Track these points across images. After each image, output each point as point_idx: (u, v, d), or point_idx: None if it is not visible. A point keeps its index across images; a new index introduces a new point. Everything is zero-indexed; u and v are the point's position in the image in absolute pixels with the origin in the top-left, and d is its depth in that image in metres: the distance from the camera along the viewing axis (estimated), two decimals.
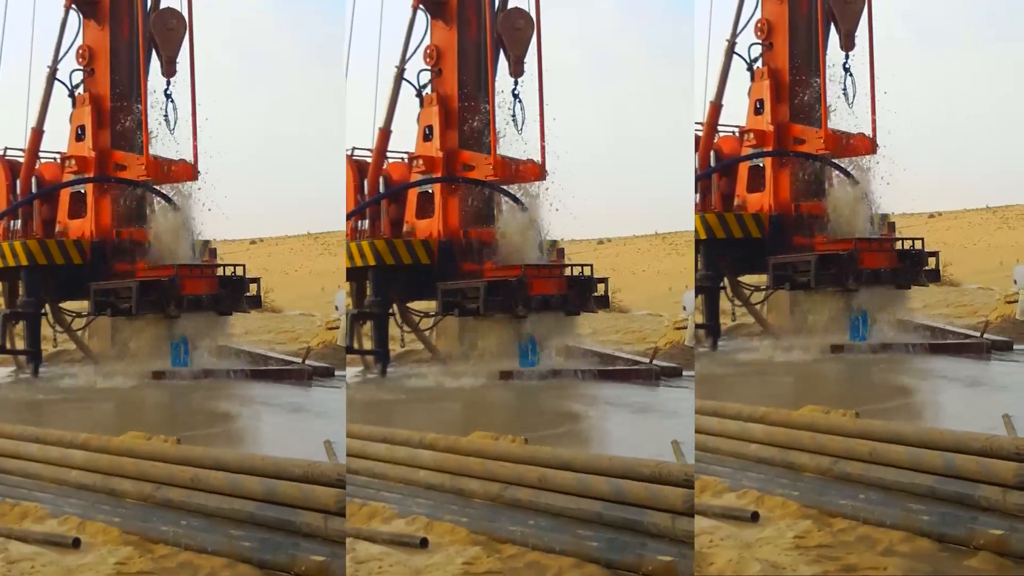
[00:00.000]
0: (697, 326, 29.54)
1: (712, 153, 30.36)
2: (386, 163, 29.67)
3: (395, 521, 16.45)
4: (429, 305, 29.01)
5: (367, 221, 29.64)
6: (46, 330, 29.94)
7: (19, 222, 30.16)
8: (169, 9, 29.20)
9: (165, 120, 29.28)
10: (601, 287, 28.38)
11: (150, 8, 29.27)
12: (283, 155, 35.12)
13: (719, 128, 30.38)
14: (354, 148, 29.72)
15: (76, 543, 16.02)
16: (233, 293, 29.03)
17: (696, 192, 30.06)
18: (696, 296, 29.61)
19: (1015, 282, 31.53)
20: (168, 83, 29.44)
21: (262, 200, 33.48)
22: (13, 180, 30.27)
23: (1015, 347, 28.50)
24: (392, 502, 17.01)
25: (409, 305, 29.25)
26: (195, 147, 29.28)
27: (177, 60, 29.33)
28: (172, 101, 29.30)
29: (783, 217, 29.71)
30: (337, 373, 28.46)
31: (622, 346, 30.68)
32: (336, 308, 31.47)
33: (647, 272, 42.38)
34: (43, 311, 29.75)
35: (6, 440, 20.25)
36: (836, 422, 17.15)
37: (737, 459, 18.07)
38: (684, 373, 27.45)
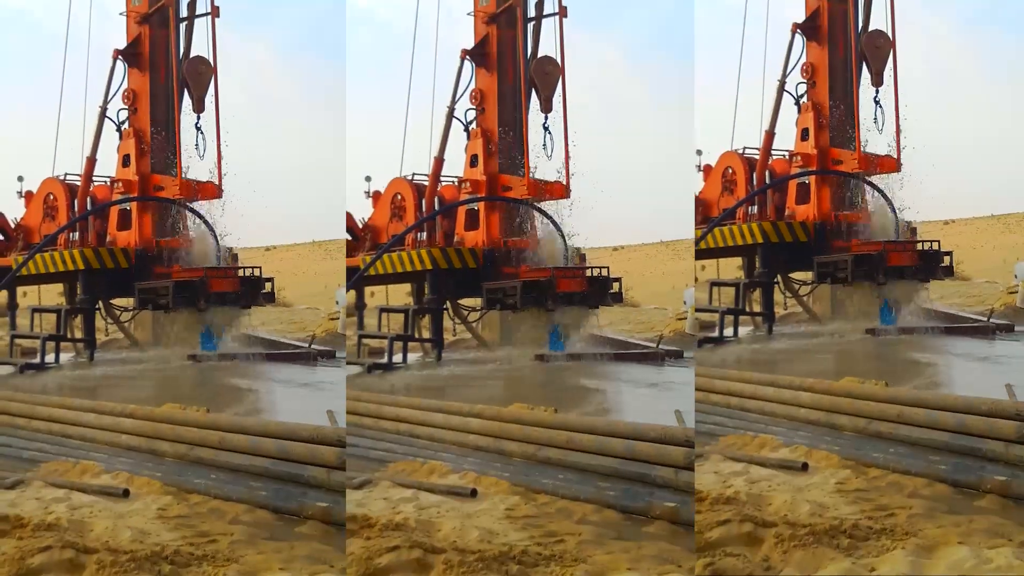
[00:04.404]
0: (755, 314, 32.06)
1: (767, 173, 33.11)
2: (440, 186, 32.66)
3: (450, 476, 17.63)
4: (475, 301, 31.70)
5: (424, 234, 32.51)
6: (99, 322, 32.60)
7: (77, 234, 32.96)
8: (199, 56, 32.31)
9: (196, 148, 31.95)
10: (616, 285, 30.99)
11: (183, 57, 32.37)
12: (293, 178, 37.56)
13: (772, 152, 33.19)
14: (413, 174, 32.89)
15: (126, 493, 17.05)
16: (252, 290, 31.54)
17: (754, 204, 32.96)
18: (754, 290, 32.19)
19: (1015, 276, 34.71)
20: (198, 118, 32.05)
21: (275, 215, 35.95)
22: (71, 200, 33.19)
23: (1016, 329, 30.76)
24: (447, 461, 18.32)
25: (459, 301, 32.24)
26: (219, 171, 31.93)
27: (205, 99, 32.06)
28: (201, 133, 31.84)
29: (825, 224, 32.45)
30: (338, 355, 30.53)
31: (633, 334, 32.86)
32: (336, 303, 33.87)
33: (654, 273, 44.91)
34: (97, 306, 32.46)
35: (69, 411, 21.59)
36: (870, 390, 18.69)
37: (789, 421, 19.59)
38: (685, 355, 29.34)
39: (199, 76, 31.90)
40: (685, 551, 14.04)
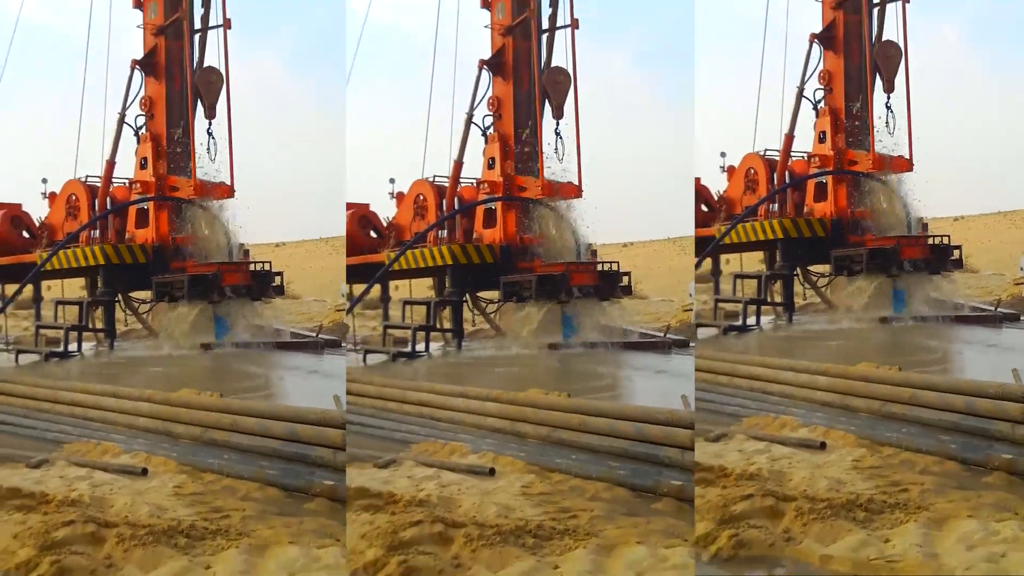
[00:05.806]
0: (776, 304, 33.25)
1: (787, 173, 34.22)
2: (459, 187, 33.77)
3: (469, 456, 18.25)
4: (493, 294, 32.78)
5: (445, 231, 33.59)
6: (119, 314, 33.76)
7: (97, 232, 33.91)
8: (210, 67, 33.58)
9: (208, 152, 33.05)
10: (626, 279, 32.22)
11: (196, 67, 33.57)
12: (301, 179, 38.73)
13: (792, 153, 34.35)
14: (435, 176, 34.04)
15: (144, 472, 17.54)
16: (262, 284, 32.58)
17: (775, 202, 34.19)
18: (775, 282, 33.47)
19: (1021, 269, 36.84)
20: (210, 123, 33.25)
21: (285, 213, 37.14)
22: (92, 200, 34.13)
23: (1022, 318, 31.51)
24: (467, 442, 18.90)
25: (478, 294, 33.65)
26: (232, 172, 33.21)
27: (216, 106, 33.19)
28: (213, 137, 33.00)
29: (841, 221, 33.70)
30: (344, 344, 31.43)
31: (642, 324, 33.71)
32: (342, 295, 35.23)
33: (661, 268, 46.20)
34: (116, 299, 33.55)
35: (91, 395, 22.15)
36: (884, 374, 19.22)
37: (807, 403, 20.21)
38: (691, 344, 30.16)
39: (210, 85, 33.09)
40: (690, 526, 14.43)
